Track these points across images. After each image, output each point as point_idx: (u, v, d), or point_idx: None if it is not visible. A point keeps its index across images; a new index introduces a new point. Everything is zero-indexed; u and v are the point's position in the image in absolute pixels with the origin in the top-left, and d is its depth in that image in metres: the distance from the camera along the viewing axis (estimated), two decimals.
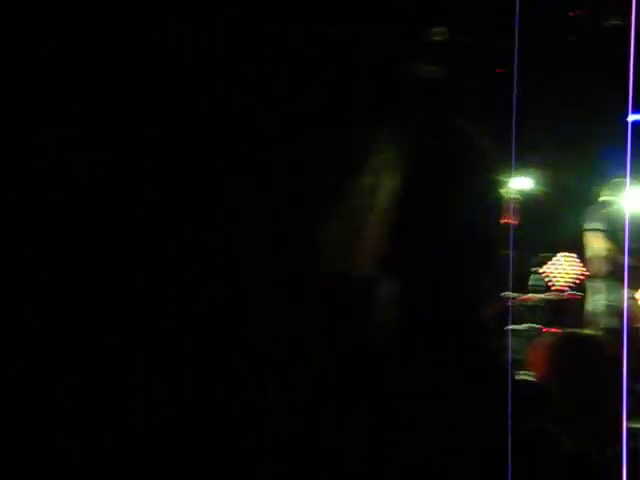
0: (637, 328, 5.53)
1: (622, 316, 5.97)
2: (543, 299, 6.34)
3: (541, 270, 7.15)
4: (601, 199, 6.24)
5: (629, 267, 6.00)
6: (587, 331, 2.24)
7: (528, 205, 8.21)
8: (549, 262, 7.90)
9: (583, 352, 2.11)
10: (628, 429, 2.03)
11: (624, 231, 6.05)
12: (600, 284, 6.15)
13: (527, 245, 7.29)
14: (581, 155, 8.55)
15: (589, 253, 6.27)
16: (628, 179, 6.24)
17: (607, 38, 7.33)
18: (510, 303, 6.57)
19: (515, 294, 6.61)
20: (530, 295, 6.40)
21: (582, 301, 6.67)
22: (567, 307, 6.50)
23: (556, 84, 8.04)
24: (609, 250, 6.05)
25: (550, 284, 7.80)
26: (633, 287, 5.90)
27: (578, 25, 8.00)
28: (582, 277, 7.72)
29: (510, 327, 6.32)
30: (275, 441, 0.69)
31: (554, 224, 8.02)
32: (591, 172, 8.33)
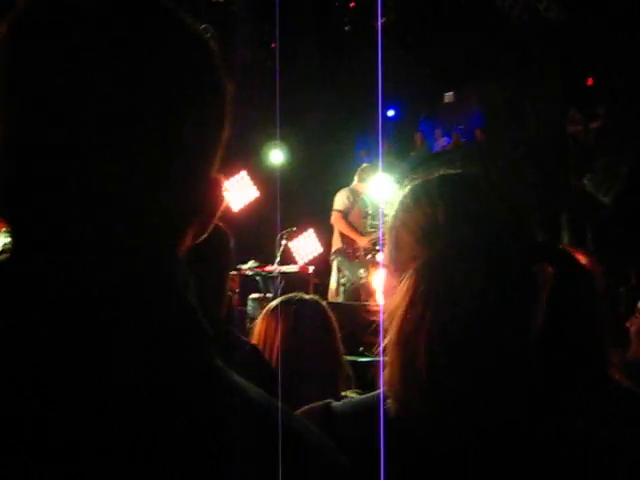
0: (367, 304, 6.00)
1: (356, 292, 6.44)
2: (280, 271, 6.57)
3: (290, 243, 7.43)
4: (352, 184, 6.63)
5: (366, 249, 6.47)
6: (308, 296, 2.22)
7: (284, 180, 8.49)
8: (299, 236, 8.25)
9: (301, 312, 2.11)
10: (340, 396, 2.14)
11: (369, 214, 6.51)
12: (341, 261, 6.56)
13: (283, 216, 7.54)
14: (336, 140, 9.04)
15: (335, 232, 6.65)
16: (379, 166, 6.70)
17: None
18: (249, 272, 6.75)
19: (254, 264, 6.80)
20: (272, 267, 6.61)
21: (315, 276, 7.07)
22: (302, 279, 6.81)
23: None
24: (351, 231, 6.46)
25: (296, 256, 8.16)
26: (370, 267, 6.37)
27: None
28: (316, 253, 8.19)
29: (249, 297, 6.49)
30: None
31: (306, 200, 8.39)
32: (345, 157, 8.85)
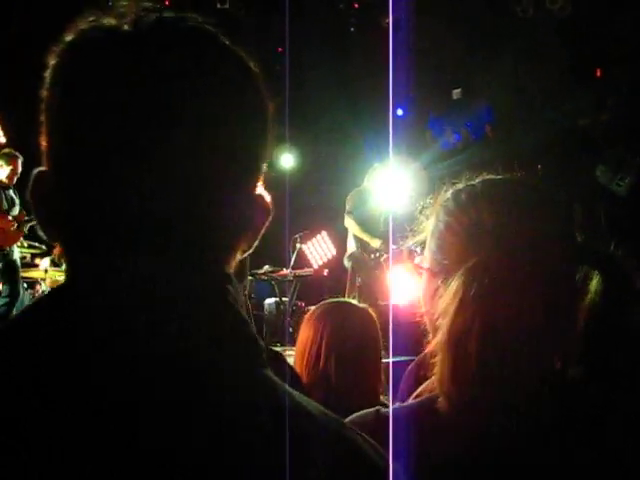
0: (383, 304, 5.98)
1: (372, 294, 6.42)
2: (295, 274, 6.55)
3: (304, 246, 7.43)
4: (363, 185, 6.61)
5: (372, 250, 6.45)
6: (355, 301, 2.22)
7: (294, 183, 8.50)
8: (313, 239, 8.25)
9: (355, 315, 2.10)
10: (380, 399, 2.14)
11: (381, 215, 6.48)
12: (355, 263, 6.54)
13: (295, 220, 7.55)
14: (346, 141, 9.03)
15: (349, 234, 6.64)
16: (390, 167, 6.69)
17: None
18: (265, 277, 6.74)
19: (269, 268, 6.80)
20: (286, 270, 6.59)
21: (330, 278, 7.05)
22: (318, 282, 6.80)
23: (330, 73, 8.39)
24: (363, 232, 6.43)
25: (310, 260, 8.17)
26: (384, 268, 6.36)
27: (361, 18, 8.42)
28: (330, 256, 8.18)
29: (266, 302, 6.48)
30: None
31: (318, 203, 8.38)
32: (355, 158, 8.85)
